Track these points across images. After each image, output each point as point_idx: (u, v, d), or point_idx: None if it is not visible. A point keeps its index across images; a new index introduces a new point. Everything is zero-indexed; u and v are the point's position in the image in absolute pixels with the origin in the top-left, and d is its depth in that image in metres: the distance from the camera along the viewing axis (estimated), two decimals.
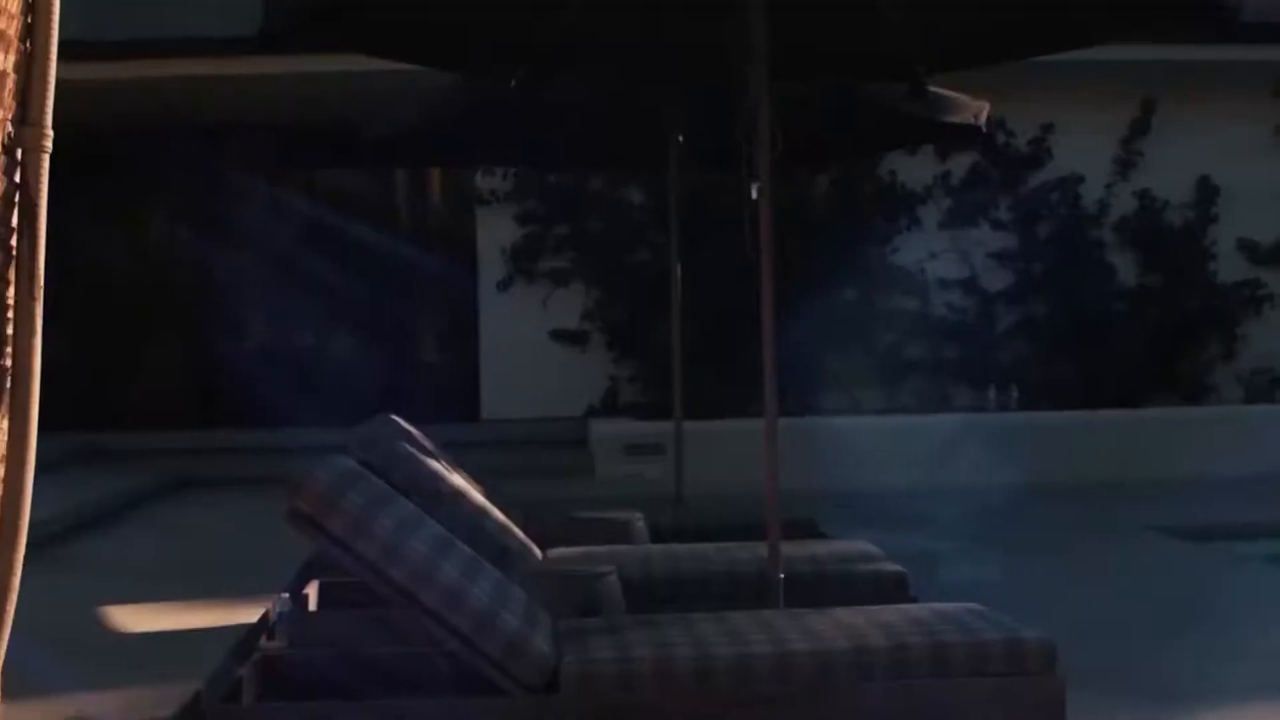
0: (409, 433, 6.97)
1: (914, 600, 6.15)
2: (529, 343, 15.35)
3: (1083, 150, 16.02)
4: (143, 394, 16.20)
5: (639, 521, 7.79)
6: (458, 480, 6.82)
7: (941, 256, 15.85)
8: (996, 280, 15.93)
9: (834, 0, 7.01)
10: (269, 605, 6.91)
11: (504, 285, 15.58)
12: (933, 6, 7.14)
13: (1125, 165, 16.18)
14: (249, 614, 6.80)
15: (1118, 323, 15.81)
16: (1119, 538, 10.65)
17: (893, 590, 6.47)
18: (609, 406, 15.33)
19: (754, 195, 6.18)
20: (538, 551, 6.86)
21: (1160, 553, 10.09)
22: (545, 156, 10.99)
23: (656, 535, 7.84)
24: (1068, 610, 7.79)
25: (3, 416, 2.27)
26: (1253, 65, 15.60)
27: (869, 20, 7.03)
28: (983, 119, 9.14)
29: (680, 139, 9.65)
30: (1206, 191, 16.24)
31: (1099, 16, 6.87)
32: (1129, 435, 14.33)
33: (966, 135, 10.11)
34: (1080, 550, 10.17)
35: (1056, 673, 4.79)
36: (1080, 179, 16.08)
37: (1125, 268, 16.06)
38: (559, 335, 15.51)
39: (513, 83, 7.71)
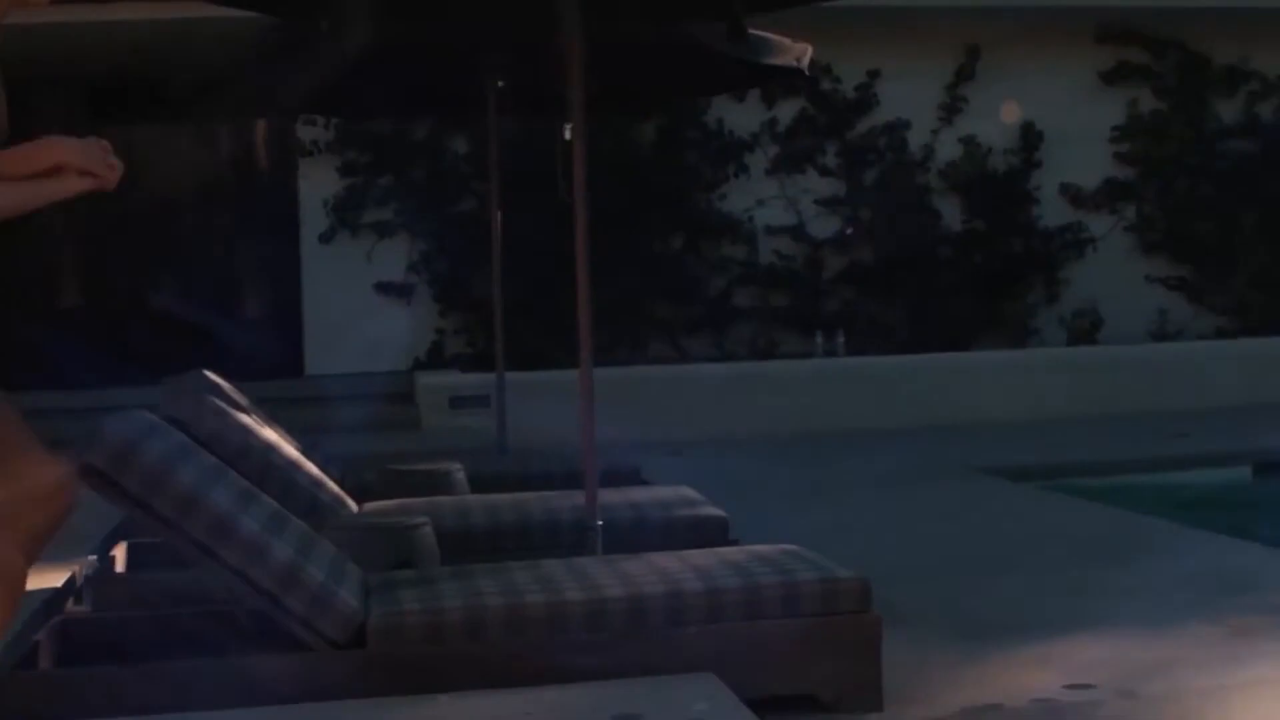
0: (219, 387, 6.80)
1: (735, 544, 6.10)
2: (353, 296, 15.09)
3: (909, 97, 16.08)
4: None
5: (458, 472, 7.67)
6: (269, 434, 6.65)
7: (769, 203, 15.83)
8: (824, 227, 15.94)
9: None
10: (76, 569, 6.71)
11: (327, 238, 15.29)
12: None
13: (950, 111, 16.26)
14: (58, 579, 6.59)
15: (944, 267, 15.90)
16: (944, 479, 10.69)
17: (714, 534, 6.44)
18: (435, 359, 15.15)
19: (567, 137, 6.05)
20: (353, 505, 6.73)
21: (983, 492, 10.15)
22: (362, 104, 10.76)
23: (477, 486, 7.73)
24: (891, 551, 7.81)
25: None
26: (1075, 11, 15.75)
27: None
28: (805, 62, 9.07)
29: (499, 84, 9.50)
30: (1030, 137, 16.37)
31: None
32: (955, 378, 14.43)
33: (789, 78, 10.02)
34: (905, 492, 10.20)
35: (872, 611, 4.76)
36: (906, 125, 16.13)
37: (951, 213, 16.16)
38: (384, 288, 15.27)
39: (323, 25, 7.52)
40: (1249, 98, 16.99)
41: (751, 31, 8.15)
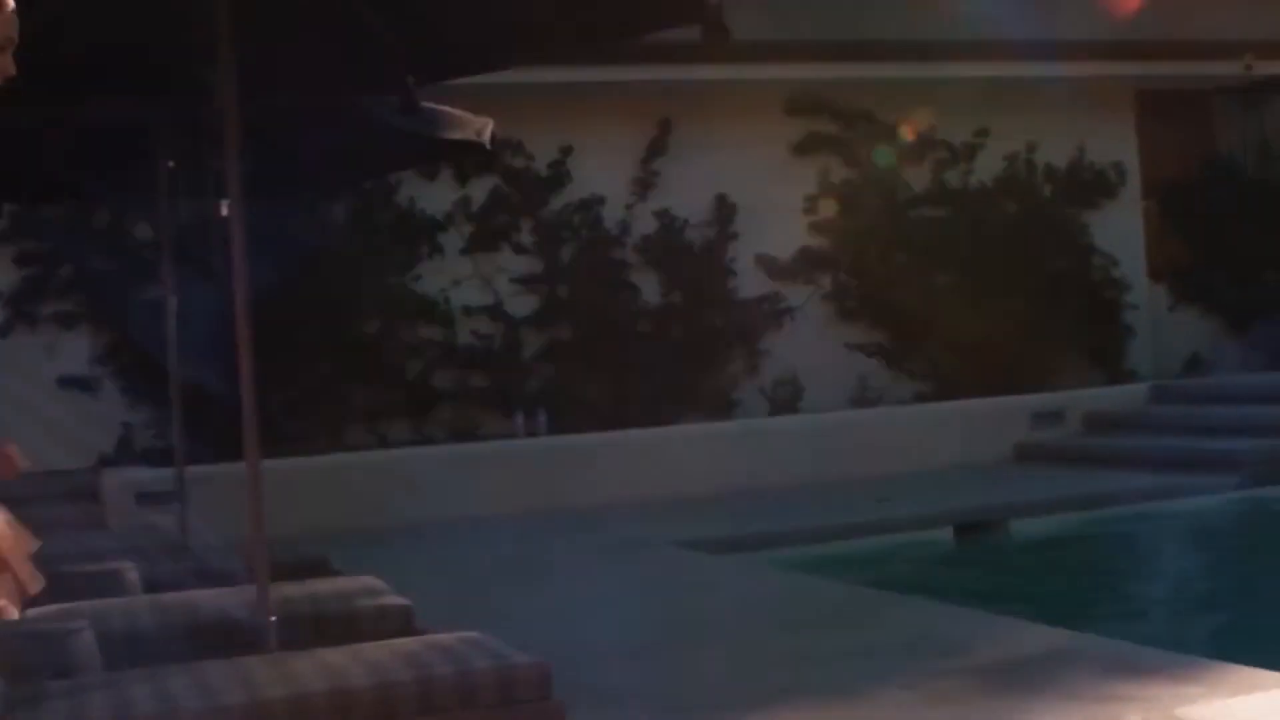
0: None
1: (421, 633, 5.84)
2: (34, 392, 14.36)
3: (602, 171, 16.01)
4: None
5: (130, 572, 7.27)
6: None
7: (465, 283, 15.58)
8: (522, 305, 15.76)
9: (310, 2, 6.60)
10: None
11: (3, 332, 14.59)
12: (417, 12, 6.82)
13: (644, 185, 16.24)
14: None
15: (644, 342, 15.83)
16: (645, 555, 10.55)
17: (398, 624, 6.15)
18: (124, 454, 14.54)
19: (224, 214, 5.75)
20: (14, 611, 6.29)
21: (685, 567, 10.02)
22: (24, 189, 10.27)
23: (152, 586, 7.32)
24: (591, 631, 7.62)
25: None
26: (764, 83, 15.88)
27: (350, 26, 6.66)
28: (486, 136, 8.87)
29: (170, 164, 9.11)
30: (725, 209, 16.42)
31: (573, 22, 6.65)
32: (658, 453, 14.32)
33: (471, 153, 9.82)
34: (607, 570, 10.02)
35: (553, 699, 4.53)
36: (601, 200, 16.06)
37: (649, 287, 16.11)
38: (67, 382, 14.62)
39: None
40: (937, 165, 17.32)
41: (428, 105, 7.93)
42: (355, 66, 7.08)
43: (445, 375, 15.47)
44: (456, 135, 8.63)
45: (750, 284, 16.50)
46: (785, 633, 7.46)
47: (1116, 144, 18.13)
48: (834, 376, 16.38)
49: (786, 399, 16.20)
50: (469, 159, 13.80)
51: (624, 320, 15.83)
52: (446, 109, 8.42)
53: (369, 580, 6.78)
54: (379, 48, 6.78)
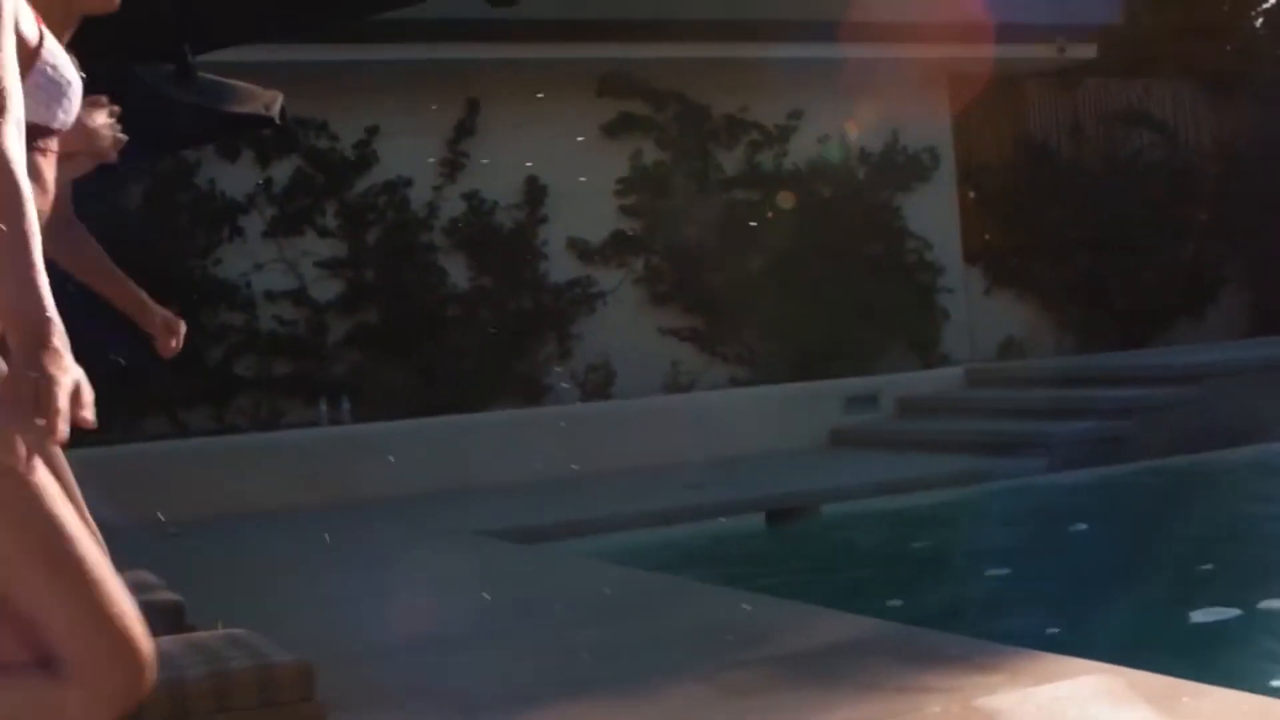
0: None
1: (191, 630, 5.51)
2: None
3: (409, 153, 15.64)
4: None
5: None
6: None
7: (268, 267, 15.12)
8: (326, 289, 15.34)
9: None
10: None
11: None
12: None
13: (453, 167, 15.90)
14: None
15: (452, 327, 15.50)
16: (448, 545, 10.25)
17: (169, 620, 5.79)
18: None
19: None
20: None
21: (488, 557, 9.74)
22: None
23: None
24: (376, 627, 7.29)
25: None
26: (575, 63, 15.61)
27: None
28: (276, 110, 8.48)
29: None
30: (535, 191, 16.14)
31: None
32: (467, 440, 14.00)
33: (260, 127, 9.42)
34: (401, 563, 9.65)
35: (314, 700, 4.23)
36: (408, 182, 15.69)
37: (457, 271, 15.78)
38: None
39: None
40: (750, 148, 17.17)
41: (209, 76, 7.56)
42: (126, 32, 6.69)
43: (247, 362, 15.02)
44: (244, 109, 8.24)
45: (561, 268, 16.23)
46: (582, 624, 7.20)
47: (931, 127, 18.12)
48: (647, 361, 16.17)
49: (598, 384, 15.97)
50: (265, 135, 13.35)
51: (432, 305, 15.50)
52: (232, 81, 8.03)
53: (140, 575, 6.41)
54: (151, 13, 6.41)
